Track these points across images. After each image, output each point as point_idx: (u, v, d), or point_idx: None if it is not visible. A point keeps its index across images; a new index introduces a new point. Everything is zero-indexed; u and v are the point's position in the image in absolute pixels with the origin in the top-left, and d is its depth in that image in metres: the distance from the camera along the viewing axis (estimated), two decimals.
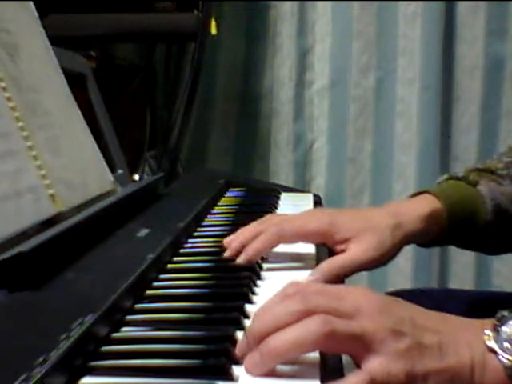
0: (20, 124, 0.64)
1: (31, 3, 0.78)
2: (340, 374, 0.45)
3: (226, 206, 0.92)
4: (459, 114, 1.68)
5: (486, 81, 1.65)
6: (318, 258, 0.69)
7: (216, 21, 1.40)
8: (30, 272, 0.51)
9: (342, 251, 0.67)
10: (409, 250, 1.63)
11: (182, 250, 0.70)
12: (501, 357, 0.45)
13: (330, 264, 0.65)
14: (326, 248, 0.70)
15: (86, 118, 0.82)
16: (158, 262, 0.62)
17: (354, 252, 0.66)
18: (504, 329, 0.46)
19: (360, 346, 0.43)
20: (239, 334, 0.46)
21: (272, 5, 1.67)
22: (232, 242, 0.68)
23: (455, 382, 0.45)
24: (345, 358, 0.47)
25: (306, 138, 1.70)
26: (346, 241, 0.67)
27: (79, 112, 0.81)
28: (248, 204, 0.94)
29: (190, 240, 0.73)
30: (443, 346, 0.45)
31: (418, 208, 0.72)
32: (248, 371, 0.43)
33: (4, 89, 0.64)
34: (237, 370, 0.43)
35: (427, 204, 0.73)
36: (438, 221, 0.72)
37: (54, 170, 0.67)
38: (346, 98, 1.67)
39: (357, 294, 0.47)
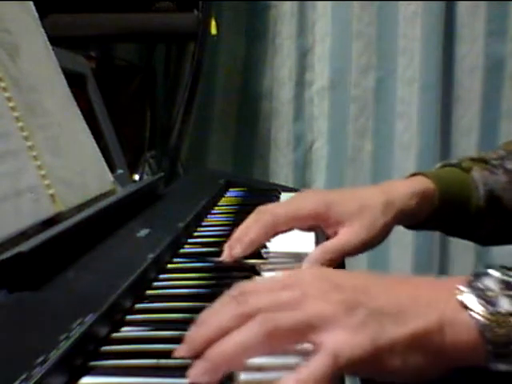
0: (20, 124, 0.64)
1: (31, 3, 0.78)
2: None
3: (226, 206, 0.92)
4: (459, 114, 1.68)
5: (485, 81, 1.65)
6: None
7: (216, 21, 1.40)
8: (29, 272, 0.50)
9: (335, 233, 0.67)
10: (409, 249, 1.63)
11: (181, 250, 0.70)
12: (473, 313, 0.42)
13: (322, 250, 0.65)
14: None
15: (85, 118, 0.82)
16: (158, 262, 0.62)
17: (346, 236, 0.66)
18: (478, 284, 0.43)
19: (312, 332, 0.41)
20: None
21: (272, 5, 1.67)
22: (230, 240, 0.67)
23: (425, 346, 0.42)
24: None
25: (306, 138, 1.70)
26: (338, 223, 0.66)
27: (79, 112, 0.81)
28: (248, 204, 0.94)
29: (189, 240, 0.73)
30: (404, 310, 0.43)
31: (411, 186, 0.72)
32: (195, 380, 0.40)
33: (4, 89, 0.64)
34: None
35: (420, 183, 0.73)
36: (429, 200, 0.72)
37: (53, 169, 0.67)
38: (346, 98, 1.67)
39: (303, 279, 0.45)
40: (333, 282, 0.45)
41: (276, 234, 0.67)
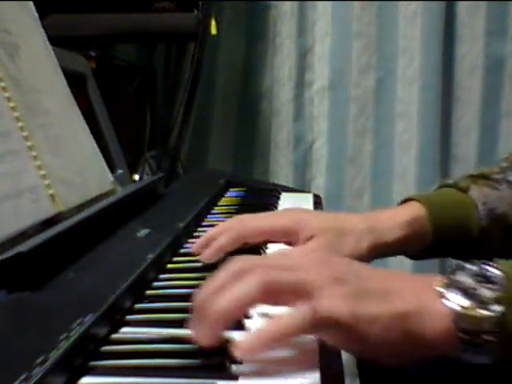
0: (20, 124, 0.64)
1: (31, 3, 0.78)
2: (340, 371, 0.45)
3: (226, 206, 0.92)
4: (459, 114, 1.68)
5: (485, 81, 1.65)
6: None
7: (216, 21, 1.40)
8: (29, 272, 0.50)
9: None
10: None
11: (181, 250, 0.70)
12: (447, 301, 0.44)
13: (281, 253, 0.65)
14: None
15: (85, 118, 0.82)
16: (157, 262, 0.62)
17: (307, 247, 0.64)
18: (456, 277, 0.46)
19: (302, 294, 0.43)
20: (239, 334, 0.46)
21: (272, 5, 1.67)
22: (201, 238, 0.68)
23: (403, 327, 0.44)
24: (344, 358, 0.47)
25: (306, 138, 1.70)
26: (308, 238, 0.65)
27: (79, 112, 0.81)
28: (248, 204, 0.94)
29: (189, 240, 0.73)
30: (389, 292, 0.45)
31: (398, 215, 0.70)
32: (198, 341, 0.43)
33: (4, 89, 0.64)
34: (236, 369, 0.43)
35: (409, 210, 0.71)
36: (420, 228, 0.70)
37: (53, 169, 0.67)
38: (346, 98, 1.67)
39: (299, 253, 0.49)
40: (326, 261, 0.48)
41: (245, 243, 0.67)
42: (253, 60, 1.70)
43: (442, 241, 0.71)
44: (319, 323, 0.43)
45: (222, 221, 0.82)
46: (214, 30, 1.40)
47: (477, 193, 0.73)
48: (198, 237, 0.75)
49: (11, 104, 0.64)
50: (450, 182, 0.76)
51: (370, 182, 1.69)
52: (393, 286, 0.46)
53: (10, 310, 0.47)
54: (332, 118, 1.68)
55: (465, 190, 0.73)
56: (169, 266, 0.65)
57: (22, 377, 0.36)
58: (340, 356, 0.47)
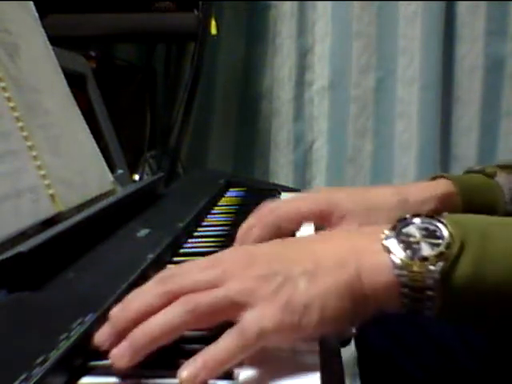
0: (20, 124, 0.64)
1: (31, 3, 0.78)
2: (340, 371, 0.45)
3: (226, 206, 0.92)
4: (459, 113, 1.68)
5: (485, 81, 1.65)
6: None
7: (216, 21, 1.40)
8: (29, 272, 0.50)
9: None
10: None
11: (181, 250, 0.70)
12: (392, 255, 0.44)
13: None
14: None
15: (85, 118, 0.82)
16: (157, 262, 0.61)
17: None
18: (402, 230, 0.45)
19: (234, 308, 0.43)
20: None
21: (272, 5, 1.67)
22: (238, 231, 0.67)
23: (343, 294, 0.43)
24: (344, 358, 0.47)
25: (306, 138, 1.70)
26: (341, 221, 0.65)
27: (79, 112, 0.81)
28: (248, 204, 0.94)
29: (189, 240, 0.73)
30: (318, 266, 0.44)
31: (430, 189, 0.70)
32: (115, 360, 0.41)
33: (4, 89, 0.64)
34: (236, 369, 0.43)
35: (441, 187, 0.70)
36: (451, 204, 0.69)
37: (53, 169, 0.67)
38: (346, 98, 1.67)
39: (223, 258, 0.47)
40: (251, 258, 0.46)
41: (278, 233, 0.66)
42: (253, 60, 1.70)
43: None
44: (255, 343, 0.41)
45: (222, 221, 0.82)
46: (214, 30, 1.40)
47: (503, 179, 0.74)
48: (198, 237, 0.75)
49: (11, 104, 0.64)
50: (477, 168, 0.77)
51: (370, 182, 1.69)
52: (322, 259, 0.45)
53: (10, 310, 0.47)
54: (332, 117, 1.68)
55: (491, 176, 0.74)
56: (169, 266, 0.64)
57: (22, 377, 0.36)
58: (340, 356, 0.47)
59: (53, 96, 0.76)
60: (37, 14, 0.79)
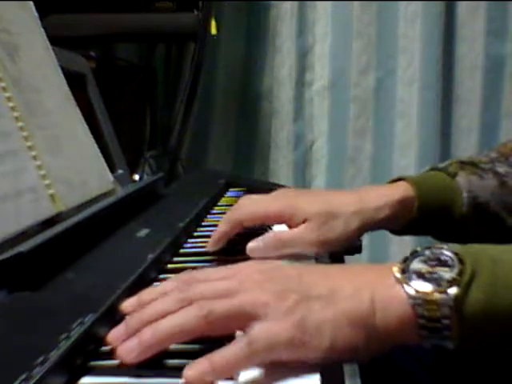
0: (20, 124, 0.64)
1: (31, 3, 0.78)
2: (340, 371, 0.45)
3: (226, 206, 0.92)
4: (459, 114, 1.68)
5: (485, 81, 1.66)
6: (317, 258, 0.69)
7: (216, 21, 1.40)
8: (29, 272, 0.50)
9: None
10: (408, 247, 1.63)
11: (181, 250, 0.70)
12: (406, 286, 0.44)
13: (274, 236, 0.67)
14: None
15: (85, 118, 0.82)
16: (158, 262, 0.62)
17: (300, 231, 0.67)
18: (411, 263, 0.45)
19: (244, 319, 0.43)
20: (239, 334, 0.46)
21: (272, 5, 1.67)
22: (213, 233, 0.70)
23: (355, 323, 0.43)
24: None
25: (306, 138, 1.70)
26: (301, 222, 0.68)
27: (79, 112, 0.81)
28: None
29: (189, 240, 0.73)
30: (334, 293, 0.44)
31: (388, 194, 0.72)
32: (123, 353, 0.42)
33: (4, 89, 0.64)
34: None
35: (398, 190, 0.73)
36: (407, 208, 0.72)
37: (53, 169, 0.67)
38: (346, 98, 1.67)
39: (241, 271, 0.48)
40: (268, 275, 0.47)
41: (242, 228, 0.70)
42: (253, 60, 1.70)
43: (424, 221, 0.74)
44: (260, 354, 0.42)
45: None
46: (213, 30, 1.40)
47: (463, 180, 0.75)
48: (198, 237, 0.75)
49: (11, 104, 0.64)
50: (441, 165, 0.79)
51: (370, 182, 1.69)
52: (339, 284, 0.45)
53: (10, 309, 0.47)
54: (332, 118, 1.68)
55: (453, 176, 0.76)
56: (169, 266, 0.64)
57: (22, 377, 0.36)
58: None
59: (53, 96, 0.76)
60: (37, 14, 0.79)
